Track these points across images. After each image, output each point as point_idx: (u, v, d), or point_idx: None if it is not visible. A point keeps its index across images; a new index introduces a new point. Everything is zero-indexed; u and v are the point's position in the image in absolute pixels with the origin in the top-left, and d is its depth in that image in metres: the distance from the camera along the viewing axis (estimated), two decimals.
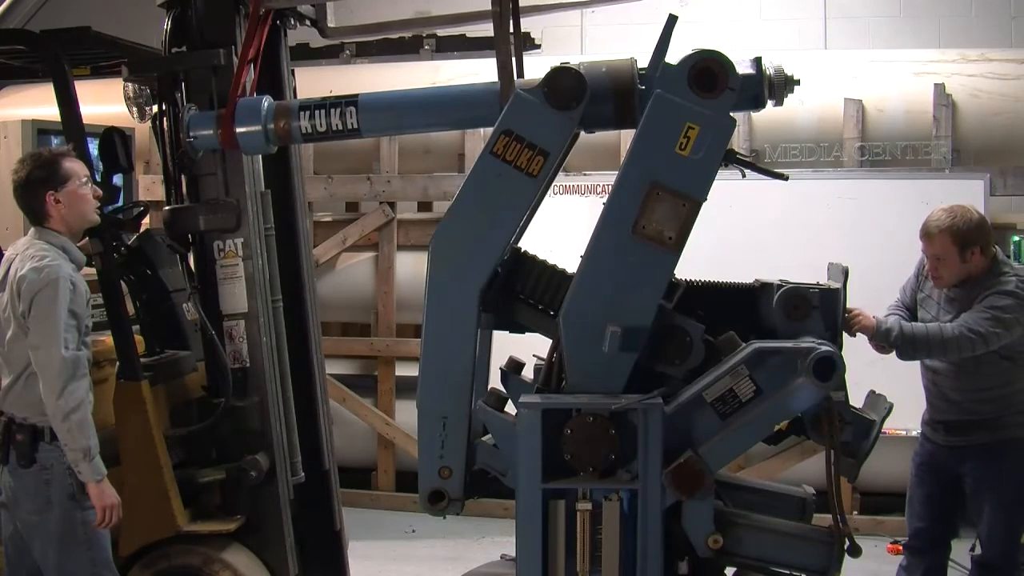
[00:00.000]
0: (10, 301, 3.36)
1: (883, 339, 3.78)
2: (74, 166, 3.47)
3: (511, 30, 3.28)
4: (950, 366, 3.90)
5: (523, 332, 3.26)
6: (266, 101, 3.40)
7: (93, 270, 3.69)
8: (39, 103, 6.28)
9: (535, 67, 3.31)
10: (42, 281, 3.29)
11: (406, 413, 6.35)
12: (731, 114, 2.99)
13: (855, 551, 3.03)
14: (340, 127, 3.33)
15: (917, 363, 4.07)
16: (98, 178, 3.89)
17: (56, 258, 3.35)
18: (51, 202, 3.41)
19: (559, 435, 2.96)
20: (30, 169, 3.43)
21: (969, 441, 3.93)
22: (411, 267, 6.46)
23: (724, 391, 2.98)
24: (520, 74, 3.38)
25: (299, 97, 3.85)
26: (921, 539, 4.12)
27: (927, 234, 3.88)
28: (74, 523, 3.36)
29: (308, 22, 4.06)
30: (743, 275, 3.32)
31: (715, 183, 2.99)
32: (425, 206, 7.18)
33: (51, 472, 3.35)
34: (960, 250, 3.80)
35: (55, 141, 5.21)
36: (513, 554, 3.10)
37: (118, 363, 3.72)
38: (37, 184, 3.42)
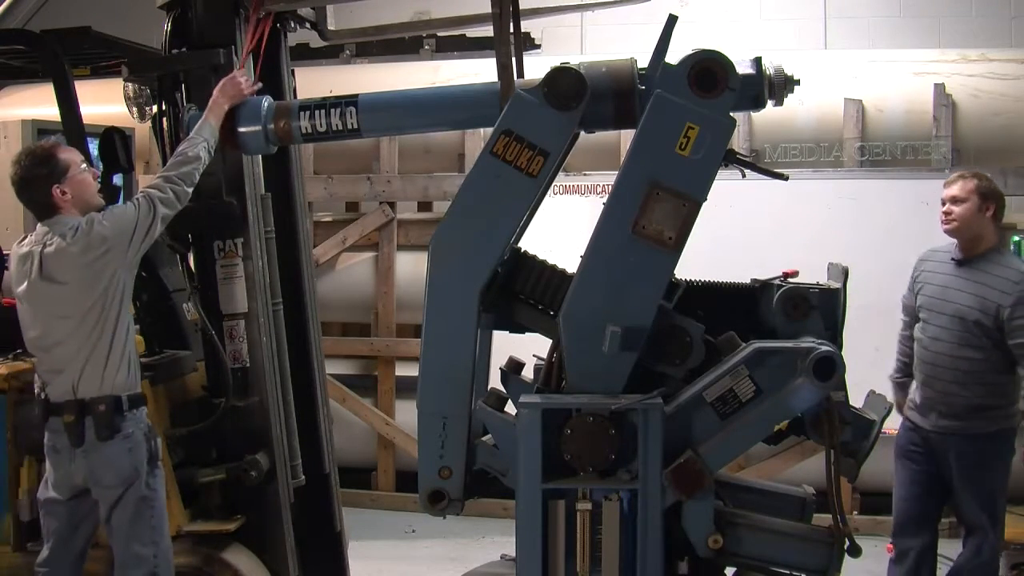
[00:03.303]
0: (62, 282, 3.35)
1: None
2: (70, 155, 3.48)
3: (511, 31, 3.28)
4: (956, 359, 3.99)
5: (523, 332, 3.26)
6: (266, 101, 3.40)
7: None
8: (39, 103, 6.28)
9: (535, 67, 3.31)
10: (89, 230, 3.34)
11: (406, 413, 6.35)
12: (731, 114, 2.99)
13: (855, 551, 3.03)
14: (340, 127, 3.33)
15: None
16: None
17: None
18: (58, 195, 3.41)
19: (559, 435, 2.96)
20: (30, 167, 3.43)
21: (965, 428, 3.98)
22: (411, 267, 6.46)
23: (724, 391, 2.98)
24: (520, 74, 3.37)
25: (299, 97, 3.86)
26: (907, 522, 4.20)
27: (950, 181, 4.10)
28: (147, 488, 3.41)
29: (308, 24, 4.07)
30: (743, 275, 3.32)
31: (715, 183, 2.99)
32: (425, 206, 7.18)
33: (132, 440, 3.39)
34: (980, 199, 3.99)
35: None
36: (513, 554, 3.10)
37: None
38: (40, 180, 3.42)
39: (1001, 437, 4.04)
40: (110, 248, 3.33)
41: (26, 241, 3.48)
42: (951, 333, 4.00)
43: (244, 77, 3.49)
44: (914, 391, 4.21)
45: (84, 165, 3.51)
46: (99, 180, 3.61)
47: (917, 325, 4.18)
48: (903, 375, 4.32)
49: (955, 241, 4.11)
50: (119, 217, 3.38)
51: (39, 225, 3.46)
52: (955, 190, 4.05)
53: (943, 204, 4.09)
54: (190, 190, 3.46)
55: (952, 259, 4.10)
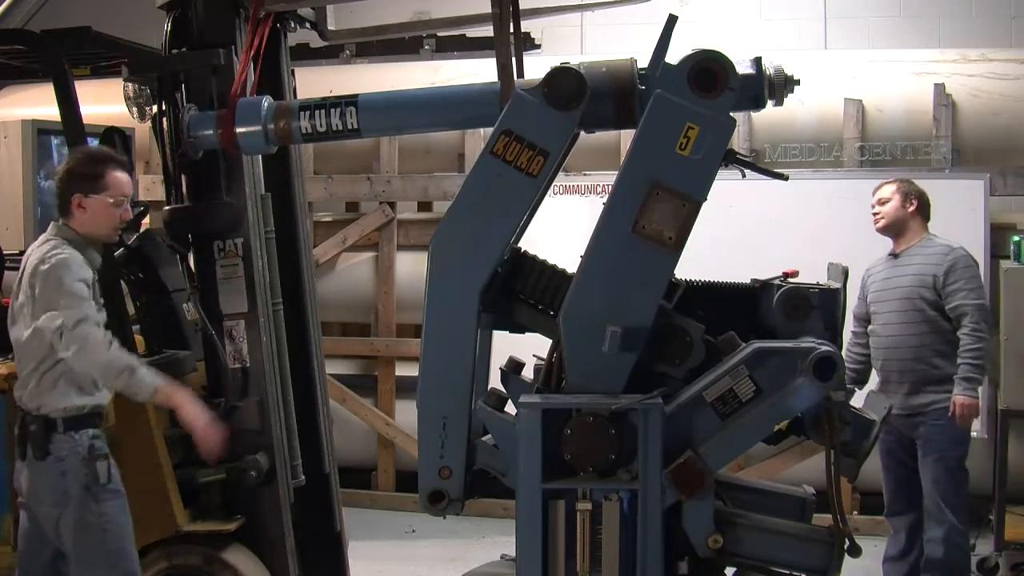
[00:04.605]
0: (26, 294, 3.31)
1: (976, 391, 4.33)
2: (117, 179, 3.39)
3: (511, 31, 3.28)
4: (907, 336, 4.40)
5: (523, 332, 3.26)
6: (266, 101, 3.40)
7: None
8: (39, 103, 6.27)
9: (535, 67, 3.31)
10: (51, 262, 3.24)
11: (406, 413, 6.35)
12: (731, 114, 2.99)
13: (855, 551, 3.03)
14: (340, 127, 3.33)
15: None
16: None
17: (67, 250, 3.31)
18: (75, 204, 3.35)
19: (559, 435, 2.96)
20: (74, 164, 3.40)
21: (923, 407, 4.35)
22: (411, 267, 6.46)
23: (724, 391, 2.98)
24: (520, 74, 3.38)
25: (299, 97, 3.86)
26: (891, 503, 4.56)
27: (878, 188, 4.62)
28: (89, 514, 3.31)
29: (308, 25, 4.07)
30: (743, 275, 3.32)
31: (715, 183, 2.99)
32: (425, 206, 7.18)
33: (66, 463, 3.29)
34: (902, 197, 4.52)
35: (55, 141, 5.21)
36: (513, 554, 3.10)
37: None
38: (71, 180, 3.37)
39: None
40: (38, 306, 3.24)
41: (39, 239, 3.42)
42: (899, 315, 4.44)
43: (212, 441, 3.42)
44: (877, 387, 4.51)
45: (122, 199, 3.41)
46: (128, 222, 3.52)
47: (871, 323, 4.56)
48: (851, 383, 4.53)
49: (889, 250, 4.57)
50: (62, 307, 3.20)
51: (51, 224, 3.43)
52: (881, 193, 4.58)
53: (872, 208, 4.59)
54: (83, 363, 3.24)
55: (889, 255, 4.58)
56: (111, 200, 3.39)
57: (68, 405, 3.30)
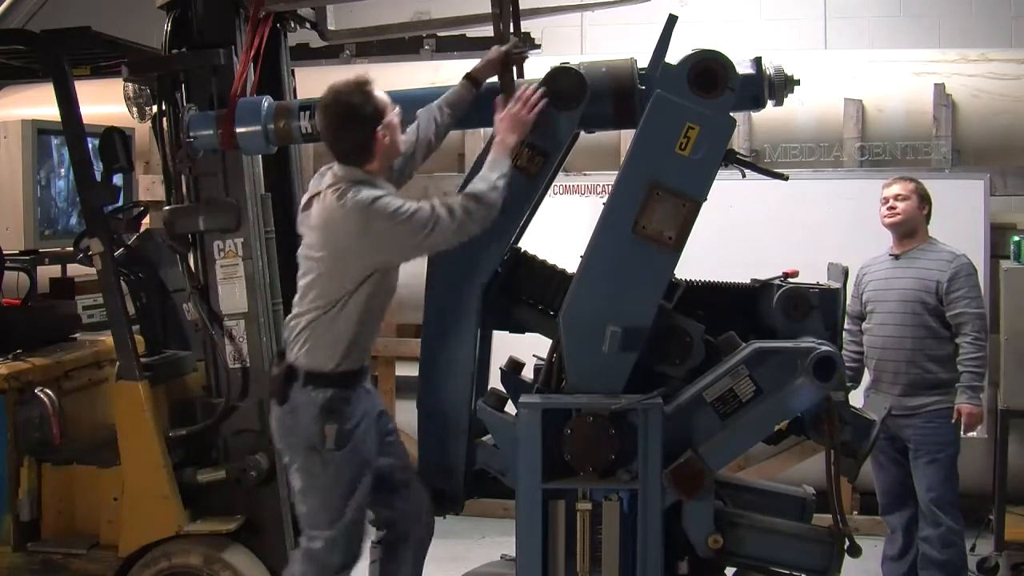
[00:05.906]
0: (325, 238, 3.06)
1: (979, 399, 4.35)
2: (380, 95, 3.13)
3: (511, 31, 3.28)
4: (902, 339, 4.39)
5: (523, 332, 3.27)
6: (266, 101, 3.40)
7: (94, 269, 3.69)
8: (39, 103, 6.27)
9: (535, 67, 3.31)
10: (365, 207, 2.97)
11: (406, 413, 6.32)
12: (731, 114, 2.99)
13: (855, 551, 3.04)
14: None
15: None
16: (98, 178, 3.89)
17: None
18: (381, 138, 3.06)
19: (559, 435, 2.96)
20: (357, 103, 3.08)
21: (916, 408, 4.35)
22: (411, 267, 6.44)
23: (724, 391, 2.98)
24: (520, 74, 3.38)
25: (299, 97, 3.86)
26: (887, 503, 4.59)
27: (890, 183, 4.57)
28: (311, 471, 3.15)
29: (308, 25, 4.07)
30: (743, 275, 3.32)
31: (715, 183, 2.99)
32: None
33: (296, 417, 3.13)
34: (919, 198, 4.50)
35: (55, 141, 5.21)
36: (513, 554, 3.10)
37: (118, 363, 3.73)
38: (367, 119, 3.06)
39: (948, 416, 4.34)
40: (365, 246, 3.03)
41: (324, 176, 3.16)
42: (897, 316, 4.40)
43: (522, 104, 3.04)
44: (868, 386, 4.53)
45: (397, 108, 3.14)
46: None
47: (865, 321, 4.54)
48: (848, 380, 4.51)
49: (887, 250, 4.54)
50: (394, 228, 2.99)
51: (335, 167, 3.12)
52: (898, 189, 4.53)
53: (886, 202, 4.52)
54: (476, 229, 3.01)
55: (890, 255, 4.53)
56: (395, 112, 3.14)
57: (313, 363, 3.11)
